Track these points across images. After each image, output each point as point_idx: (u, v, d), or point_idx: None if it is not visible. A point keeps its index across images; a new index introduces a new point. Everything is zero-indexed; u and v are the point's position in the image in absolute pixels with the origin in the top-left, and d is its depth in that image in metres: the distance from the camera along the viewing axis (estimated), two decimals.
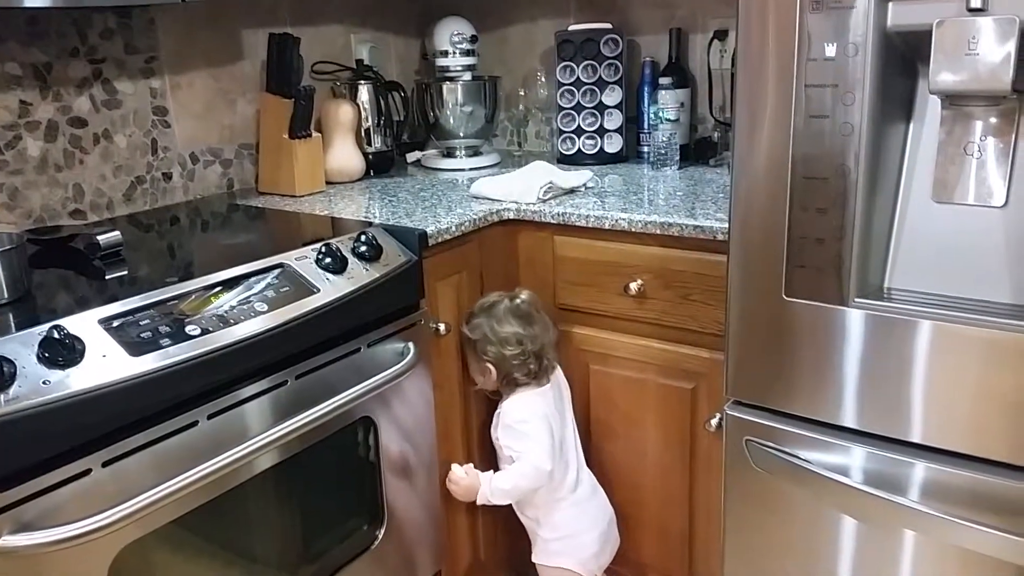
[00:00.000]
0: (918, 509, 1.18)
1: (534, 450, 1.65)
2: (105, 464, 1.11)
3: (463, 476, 1.70)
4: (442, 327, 1.65)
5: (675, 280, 1.63)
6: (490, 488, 1.69)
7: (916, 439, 1.19)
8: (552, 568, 1.76)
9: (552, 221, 1.73)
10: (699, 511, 1.73)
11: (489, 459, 1.86)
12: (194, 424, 1.21)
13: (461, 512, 1.82)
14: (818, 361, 1.24)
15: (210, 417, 1.23)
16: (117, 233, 1.45)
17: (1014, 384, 1.10)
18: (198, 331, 1.21)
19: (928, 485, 1.19)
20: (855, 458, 1.24)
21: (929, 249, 1.17)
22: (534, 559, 1.79)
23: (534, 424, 1.67)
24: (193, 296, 1.26)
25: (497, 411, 1.74)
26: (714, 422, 1.46)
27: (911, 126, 1.18)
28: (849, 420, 1.24)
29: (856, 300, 1.18)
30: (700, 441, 1.69)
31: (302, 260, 1.40)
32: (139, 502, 1.09)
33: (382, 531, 1.57)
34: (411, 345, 1.52)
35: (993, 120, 1.11)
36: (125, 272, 1.40)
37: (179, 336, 1.19)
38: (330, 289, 1.38)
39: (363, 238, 1.47)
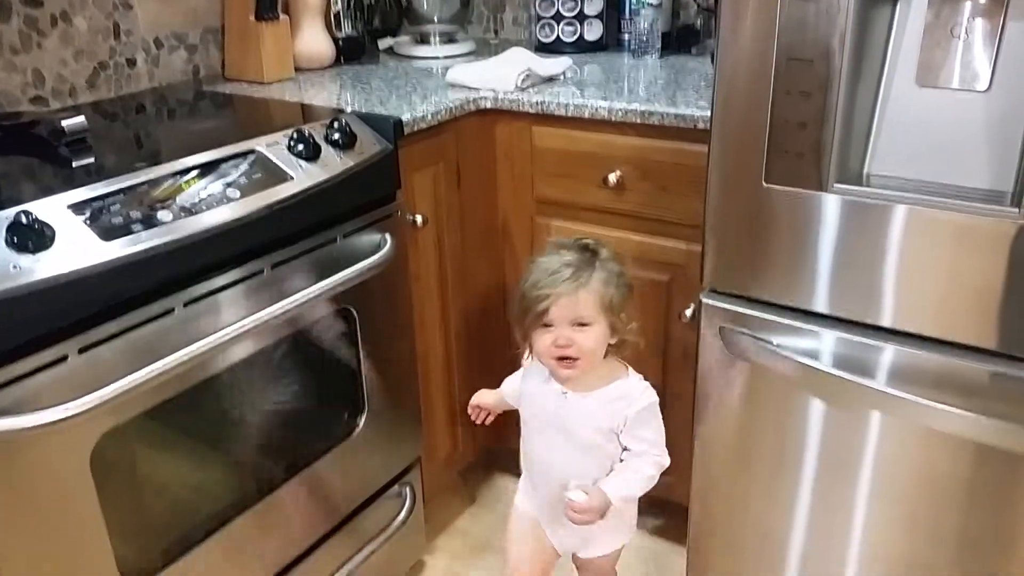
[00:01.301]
0: (886, 391, 1.21)
1: (662, 440, 1.38)
2: (81, 351, 1.10)
3: (588, 501, 1.29)
4: (419, 219, 1.63)
5: (654, 171, 1.61)
6: (622, 502, 1.35)
7: (886, 323, 1.21)
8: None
9: (530, 111, 1.69)
10: (673, 400, 1.76)
11: (467, 357, 1.88)
12: (170, 311, 1.20)
13: (440, 403, 1.85)
14: (794, 248, 1.25)
15: (186, 305, 1.22)
16: (82, 118, 1.40)
17: (984, 269, 1.11)
18: (170, 217, 1.19)
19: (896, 368, 1.22)
20: (826, 343, 1.27)
21: (910, 134, 1.16)
22: None
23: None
24: (164, 182, 1.23)
25: (578, 400, 1.35)
26: (689, 312, 1.47)
27: (897, 7, 1.15)
28: (822, 306, 1.26)
29: (835, 186, 1.18)
30: (674, 332, 1.72)
31: (274, 147, 1.36)
32: (117, 387, 1.09)
33: (362, 421, 1.59)
34: (388, 236, 1.51)
35: (982, 0, 1.09)
36: (92, 159, 1.36)
37: (151, 222, 1.17)
38: (303, 177, 1.35)
39: (336, 125, 1.44)
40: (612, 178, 1.64)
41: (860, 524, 1.32)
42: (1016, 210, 1.07)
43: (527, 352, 1.40)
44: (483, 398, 1.58)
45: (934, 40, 1.12)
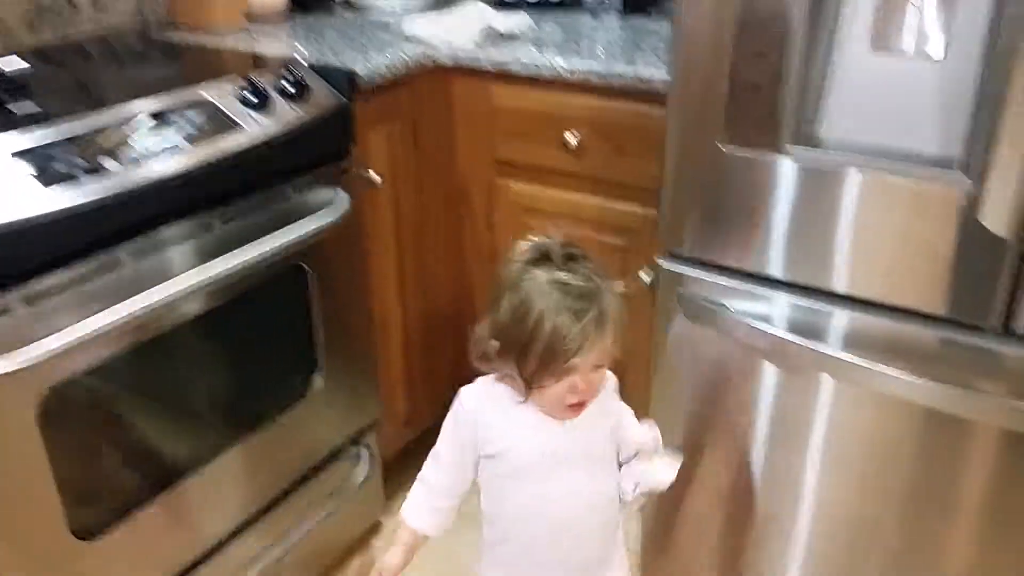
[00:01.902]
0: (837, 356, 1.22)
1: None
2: (27, 302, 1.07)
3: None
4: (375, 177, 1.60)
5: (612, 133, 1.61)
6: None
7: (839, 289, 1.23)
8: None
9: (489, 68, 1.67)
10: (629, 364, 1.78)
11: (425, 319, 1.86)
12: (117, 264, 1.16)
13: (398, 365, 1.83)
14: (749, 212, 1.26)
15: (134, 258, 1.18)
16: (22, 61, 1.34)
17: (934, 235, 1.13)
18: (116, 166, 1.15)
19: (848, 333, 1.23)
20: (780, 307, 1.28)
21: (863, 99, 1.16)
22: None
23: None
24: (110, 131, 1.19)
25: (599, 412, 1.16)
26: (645, 276, 1.47)
27: None
28: (777, 271, 1.27)
29: (789, 148, 1.18)
30: (632, 297, 1.72)
31: (224, 97, 1.33)
32: (62, 338, 1.06)
33: (318, 381, 1.57)
34: (342, 193, 1.48)
35: None
36: (34, 105, 1.30)
37: (96, 171, 1.13)
38: (255, 128, 1.32)
39: (289, 76, 1.40)
40: (571, 139, 1.63)
41: (811, 485, 1.35)
42: (965, 177, 1.08)
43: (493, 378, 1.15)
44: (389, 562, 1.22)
45: (891, 4, 1.13)
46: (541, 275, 1.05)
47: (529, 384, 1.08)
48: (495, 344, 1.09)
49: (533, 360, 1.04)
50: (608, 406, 1.19)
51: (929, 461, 1.23)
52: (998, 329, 1.13)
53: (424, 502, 1.19)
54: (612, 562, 1.24)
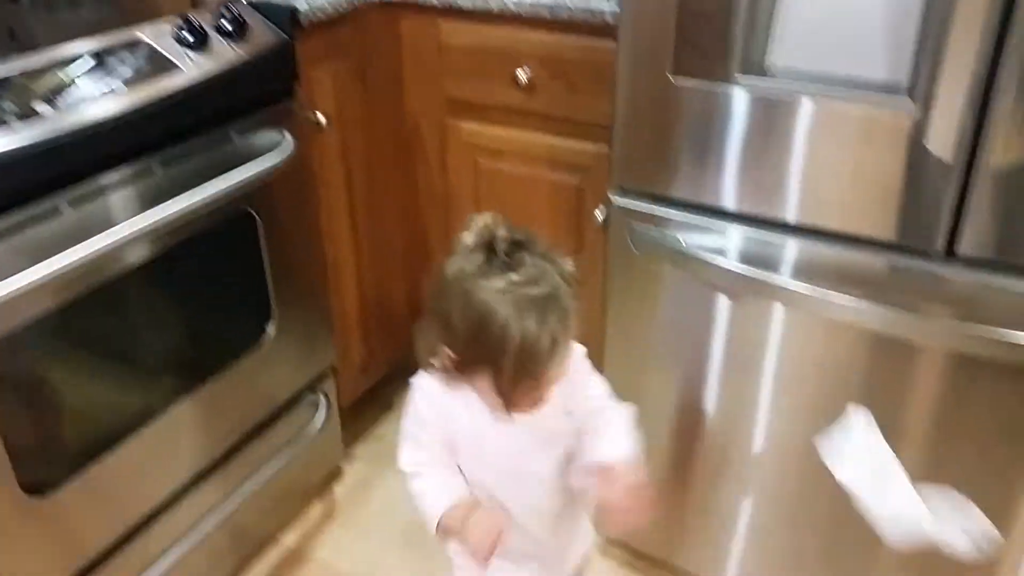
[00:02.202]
0: (789, 286, 1.23)
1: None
2: None
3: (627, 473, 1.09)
4: (321, 118, 1.56)
5: (564, 69, 1.58)
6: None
7: (791, 219, 1.23)
8: None
9: (436, 3, 1.63)
10: (583, 303, 1.78)
11: (379, 265, 1.84)
12: (55, 212, 1.13)
13: (352, 312, 1.81)
14: (702, 143, 1.25)
15: (72, 205, 1.15)
16: None
17: (883, 162, 1.13)
18: (49, 111, 1.11)
19: (799, 263, 1.25)
20: (733, 239, 1.28)
21: (812, 26, 1.15)
22: None
23: None
24: (41, 74, 1.15)
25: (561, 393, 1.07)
26: (599, 215, 1.47)
27: None
28: (729, 202, 1.27)
29: (740, 77, 1.17)
30: (586, 235, 1.72)
31: (161, 37, 1.28)
32: (1, 289, 1.03)
33: (271, 328, 1.55)
34: (287, 135, 1.44)
35: None
36: None
37: (28, 115, 1.09)
38: (192, 68, 1.27)
39: (226, 13, 1.35)
40: (522, 76, 1.60)
41: (763, 411, 1.37)
42: (912, 102, 1.09)
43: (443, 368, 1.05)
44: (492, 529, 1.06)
45: None
46: (493, 283, 0.95)
47: (508, 398, 1.00)
48: (450, 354, 1.01)
49: (507, 376, 0.97)
50: (571, 377, 1.10)
51: (877, 384, 1.25)
52: (943, 254, 1.15)
53: (439, 484, 1.09)
54: (580, 532, 1.24)
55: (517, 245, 0.97)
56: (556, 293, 0.96)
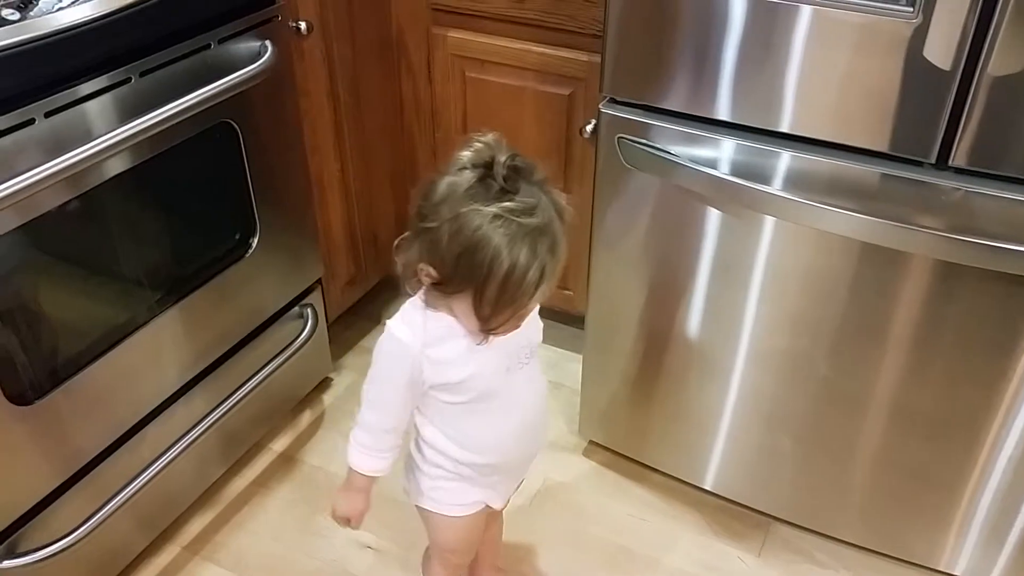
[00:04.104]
0: (781, 196, 1.23)
1: None
2: None
3: None
4: (303, 26, 1.51)
5: None
6: None
7: (785, 128, 1.21)
8: None
9: None
10: (572, 214, 1.77)
11: (365, 177, 1.82)
12: (31, 122, 1.10)
13: (339, 225, 1.80)
14: (696, 51, 1.22)
15: (47, 115, 1.11)
16: None
17: (880, 71, 1.11)
18: (17, 16, 1.07)
19: (791, 174, 1.23)
20: (724, 151, 1.27)
21: None
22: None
23: None
24: None
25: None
26: (589, 128, 1.44)
27: None
28: (723, 113, 1.25)
29: None
30: (575, 148, 1.70)
31: None
32: None
33: (255, 240, 1.54)
34: (268, 43, 1.40)
35: None
36: None
37: None
38: None
39: None
40: None
41: (749, 321, 1.38)
42: (911, 9, 1.06)
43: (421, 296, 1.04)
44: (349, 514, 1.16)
45: None
46: (489, 208, 0.92)
47: (488, 324, 0.98)
48: (432, 273, 0.98)
49: (489, 301, 0.95)
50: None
51: (864, 295, 1.26)
52: (936, 163, 1.14)
53: (372, 446, 1.10)
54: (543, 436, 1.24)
55: (515, 171, 0.94)
56: (550, 225, 0.94)
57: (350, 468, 1.12)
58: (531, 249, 0.92)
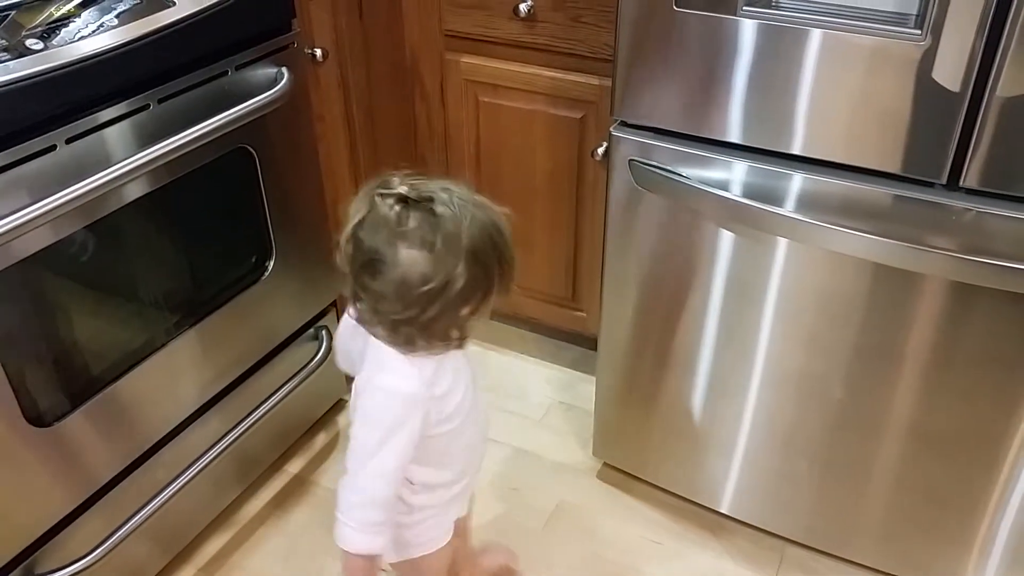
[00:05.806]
0: (793, 218, 1.23)
1: None
2: None
3: None
4: (319, 52, 1.54)
5: (567, 0, 1.55)
6: None
7: (796, 151, 1.22)
8: None
9: None
10: (584, 238, 1.78)
11: None
12: (52, 148, 1.12)
13: None
14: (706, 76, 1.23)
15: (68, 142, 1.14)
16: None
17: (890, 93, 1.12)
18: (40, 45, 1.09)
19: (804, 195, 1.24)
20: (736, 173, 1.27)
21: None
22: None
23: None
24: (32, 9, 1.12)
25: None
26: (600, 150, 1.46)
27: None
28: (734, 135, 1.26)
29: (745, 9, 1.15)
30: (587, 171, 1.71)
31: None
32: (2, 225, 1.03)
33: (271, 264, 1.55)
34: (284, 70, 1.42)
35: None
36: None
37: (19, 50, 1.07)
38: (187, 3, 1.25)
39: None
40: (523, 8, 1.57)
41: (763, 343, 1.38)
42: (919, 32, 1.06)
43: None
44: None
45: None
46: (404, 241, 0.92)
47: (464, 335, 0.99)
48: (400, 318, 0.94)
49: (472, 313, 0.96)
50: None
51: (878, 316, 1.26)
52: (948, 184, 1.14)
53: (385, 521, 1.03)
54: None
55: (404, 200, 0.93)
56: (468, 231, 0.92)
57: (353, 555, 1.02)
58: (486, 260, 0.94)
